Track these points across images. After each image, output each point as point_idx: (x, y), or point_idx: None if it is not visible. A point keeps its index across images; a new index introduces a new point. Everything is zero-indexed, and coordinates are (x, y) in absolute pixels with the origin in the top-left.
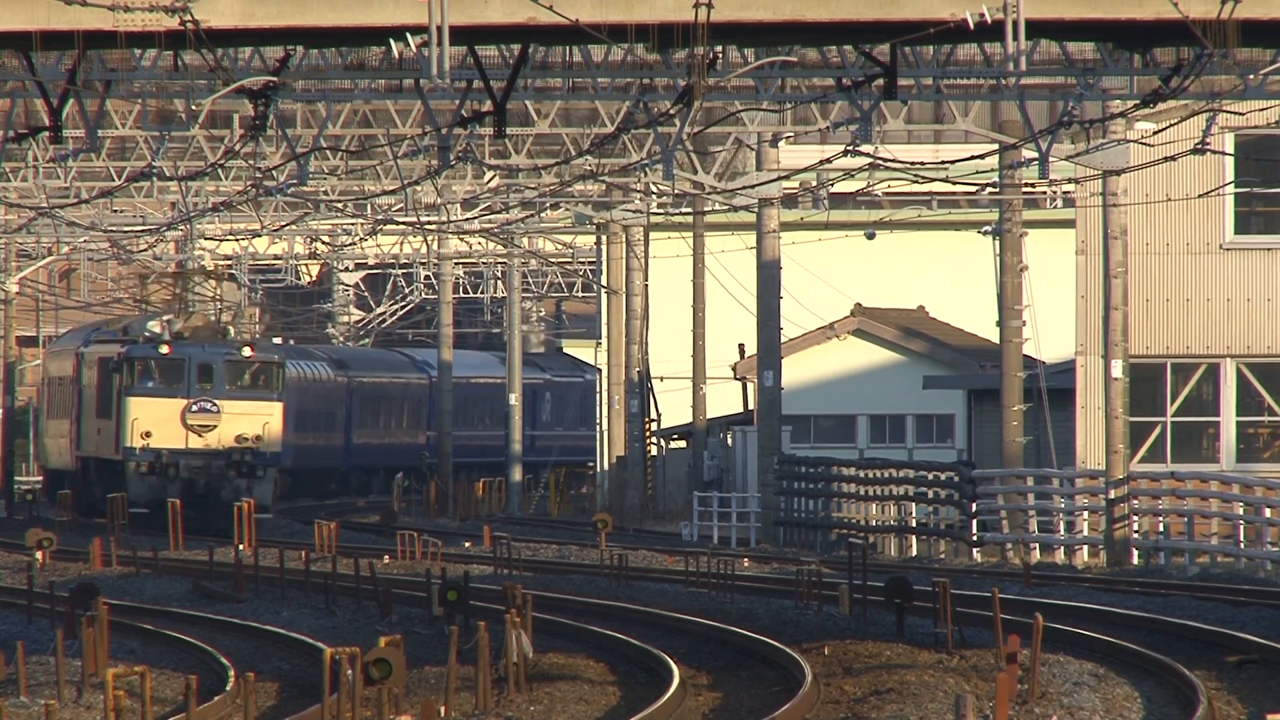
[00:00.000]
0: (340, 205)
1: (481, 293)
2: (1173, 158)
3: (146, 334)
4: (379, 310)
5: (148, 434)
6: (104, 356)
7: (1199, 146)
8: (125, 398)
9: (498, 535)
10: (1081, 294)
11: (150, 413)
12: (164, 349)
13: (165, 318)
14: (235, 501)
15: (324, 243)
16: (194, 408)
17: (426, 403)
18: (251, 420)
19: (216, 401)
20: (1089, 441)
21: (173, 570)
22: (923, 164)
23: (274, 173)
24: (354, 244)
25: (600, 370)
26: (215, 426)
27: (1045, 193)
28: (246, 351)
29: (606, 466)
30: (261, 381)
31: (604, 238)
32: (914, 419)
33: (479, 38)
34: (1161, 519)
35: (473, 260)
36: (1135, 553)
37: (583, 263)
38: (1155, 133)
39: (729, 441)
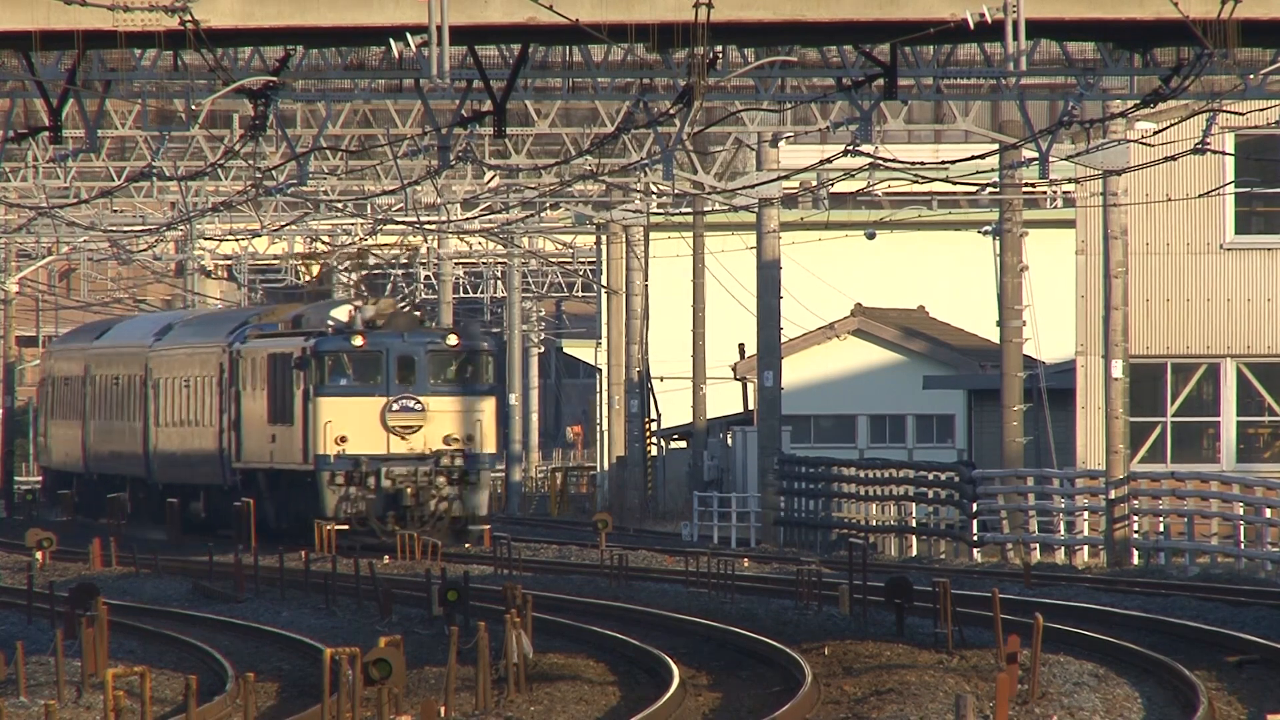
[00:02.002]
0: (340, 205)
1: (481, 293)
2: (1173, 158)
3: (331, 323)
4: None
5: (343, 439)
6: (278, 353)
7: (1199, 146)
8: (317, 399)
9: (497, 535)
10: (1081, 294)
11: (345, 414)
12: (358, 340)
13: (354, 304)
14: (446, 514)
15: (324, 243)
16: (395, 407)
17: None
18: (461, 419)
19: (420, 399)
20: (1089, 441)
21: (173, 570)
22: (923, 164)
23: (274, 173)
24: (354, 244)
25: (600, 370)
26: (420, 427)
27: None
28: (453, 340)
29: (606, 466)
30: (470, 374)
31: (604, 238)
32: (914, 419)
33: (479, 38)
34: (1162, 519)
35: (473, 260)
36: (1135, 553)
37: (583, 263)
38: (1155, 133)
39: (729, 441)
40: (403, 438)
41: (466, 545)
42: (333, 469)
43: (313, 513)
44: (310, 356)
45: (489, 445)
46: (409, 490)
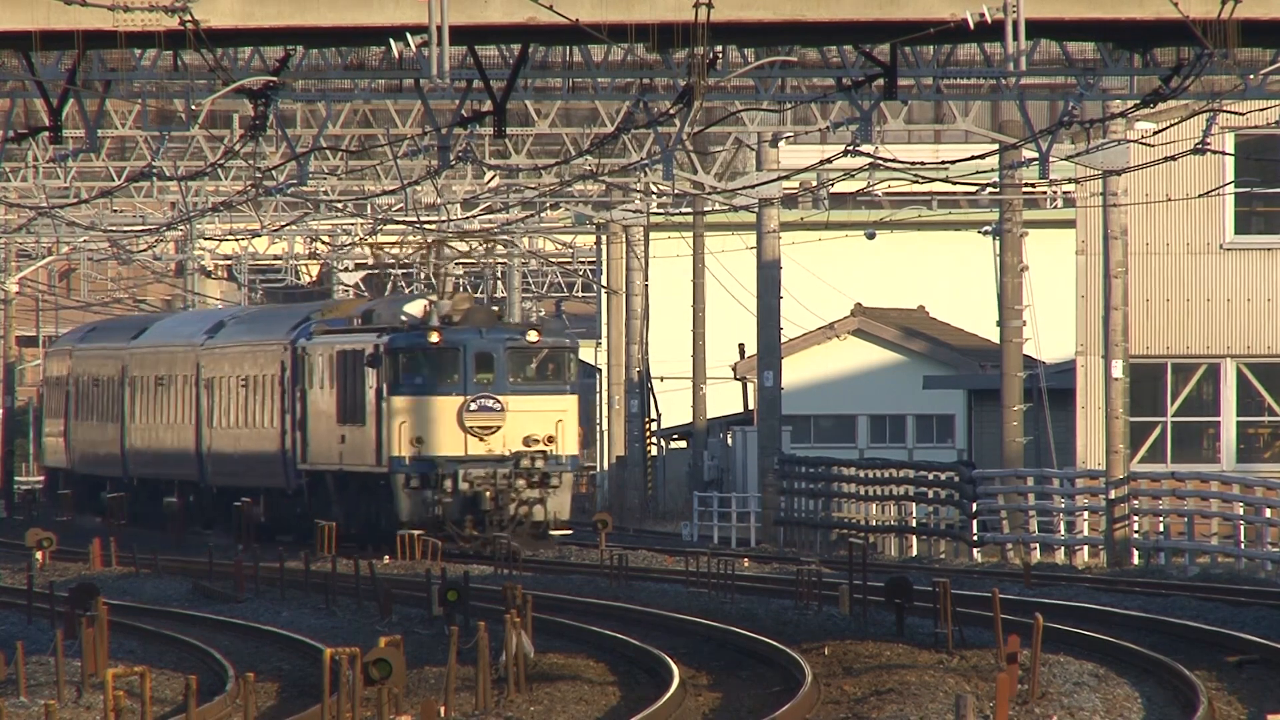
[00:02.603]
0: (340, 205)
1: (481, 293)
2: (1173, 158)
3: (404, 319)
4: None
5: (418, 440)
6: (348, 349)
7: (1199, 146)
8: (391, 398)
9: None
10: (1081, 294)
11: (420, 414)
12: (434, 337)
13: (429, 298)
14: (527, 518)
15: (324, 243)
16: (473, 406)
17: None
18: (542, 419)
19: (499, 398)
20: (1089, 441)
21: (173, 570)
22: (923, 164)
23: (274, 173)
24: (354, 244)
25: (600, 370)
26: (499, 428)
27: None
28: (533, 336)
29: (606, 466)
30: (551, 371)
31: (604, 238)
32: (914, 419)
33: (479, 38)
34: (1162, 519)
35: (473, 260)
36: (1135, 553)
37: (583, 263)
38: (1155, 133)
39: (729, 441)
40: (481, 439)
41: (547, 552)
42: (407, 471)
43: (385, 517)
44: (384, 353)
45: (570, 446)
46: (487, 494)
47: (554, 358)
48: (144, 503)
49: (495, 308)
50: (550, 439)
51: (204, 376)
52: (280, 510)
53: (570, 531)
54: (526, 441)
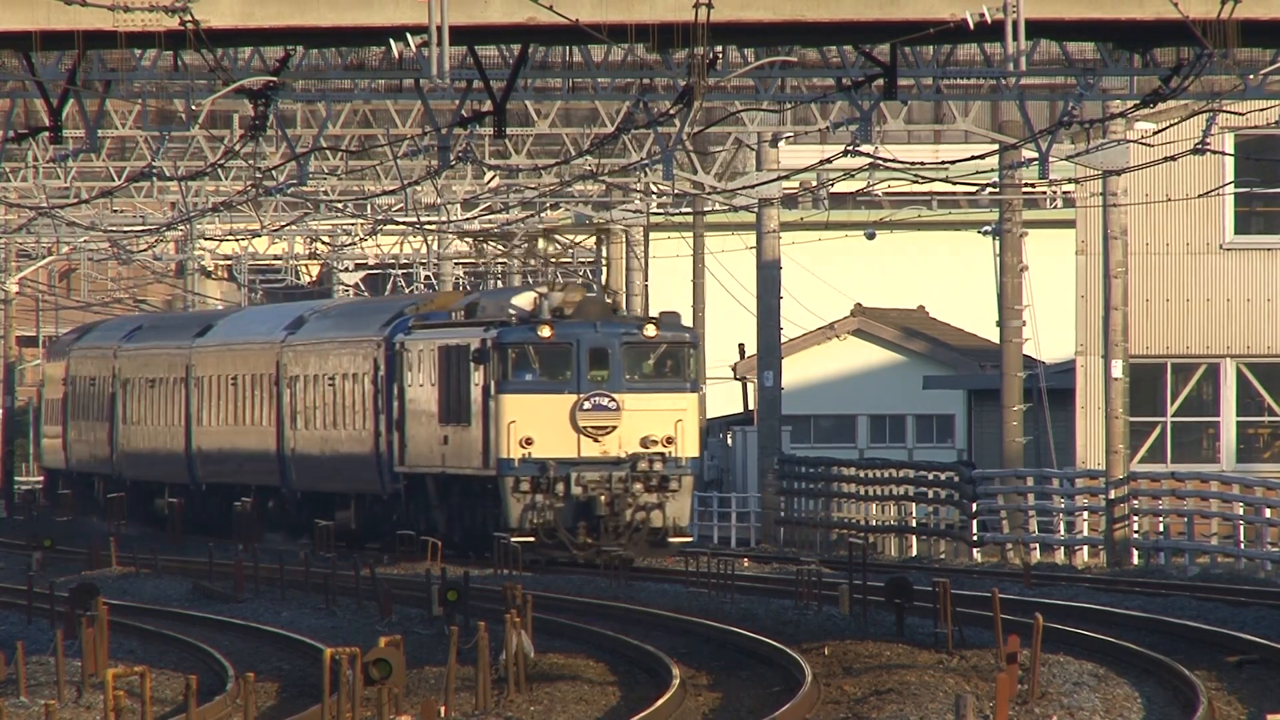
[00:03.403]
0: (340, 205)
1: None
2: (1173, 158)
3: (513, 312)
4: None
5: (529, 441)
6: (452, 345)
7: (1199, 146)
8: (499, 396)
9: (497, 534)
10: (1081, 294)
11: (531, 413)
12: (545, 331)
13: (538, 290)
14: (644, 525)
15: (324, 243)
16: (587, 405)
17: None
18: (660, 418)
19: (615, 396)
20: (1089, 441)
21: (172, 570)
22: (923, 164)
23: (274, 173)
24: (354, 244)
25: None
26: (615, 428)
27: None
28: (650, 330)
29: None
30: (669, 368)
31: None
32: (914, 419)
33: (479, 38)
34: (1161, 519)
35: (473, 260)
36: (1135, 553)
37: (583, 263)
38: (1155, 133)
39: (729, 441)
40: (595, 439)
41: (667, 561)
42: (517, 474)
43: (492, 523)
44: (492, 349)
45: (691, 448)
46: (602, 498)
47: (673, 353)
48: (210, 510)
49: (610, 299)
50: (669, 440)
51: (285, 375)
52: (373, 516)
53: (691, 539)
54: (644, 443)
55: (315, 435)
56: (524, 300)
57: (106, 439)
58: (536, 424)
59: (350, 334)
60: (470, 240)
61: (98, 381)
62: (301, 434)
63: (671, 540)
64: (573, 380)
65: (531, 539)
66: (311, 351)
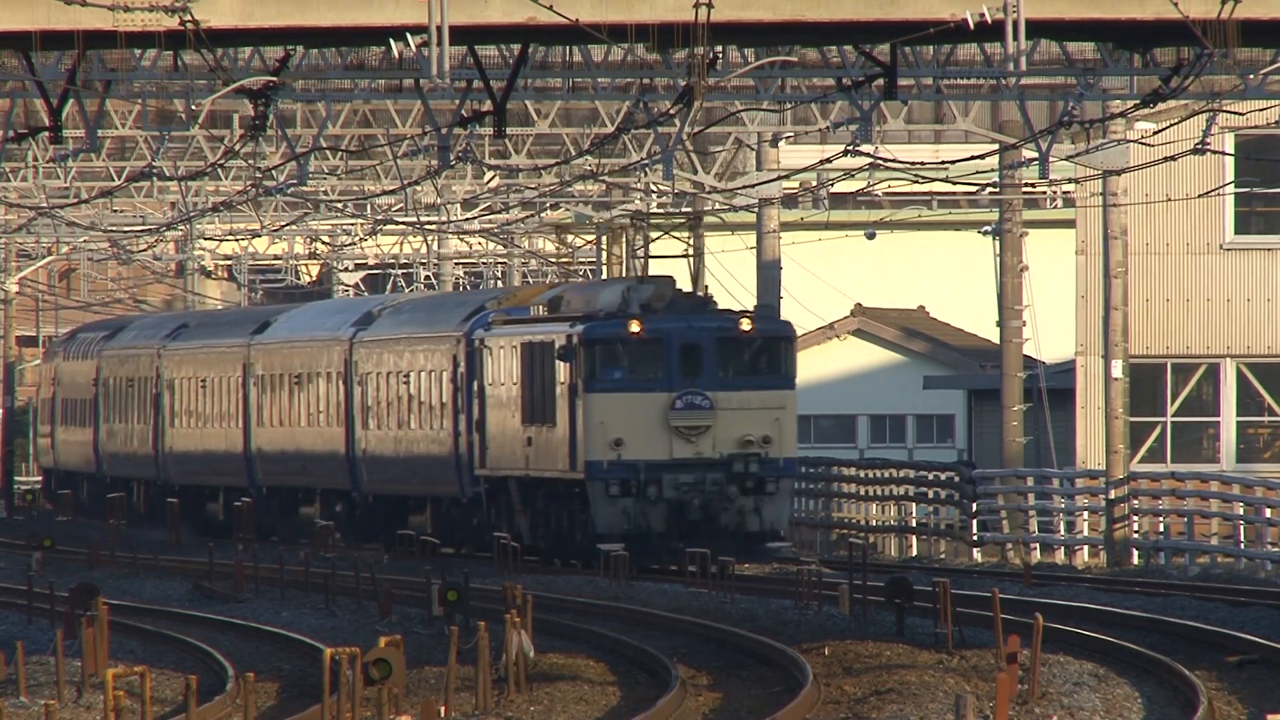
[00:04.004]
0: (340, 205)
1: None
2: (1173, 158)
3: (600, 307)
4: None
5: (618, 442)
6: (535, 341)
7: (1199, 146)
8: (587, 395)
9: (496, 534)
10: (1081, 294)
11: (620, 413)
12: (634, 326)
13: (627, 283)
14: (740, 529)
15: (324, 243)
16: (679, 404)
17: None
18: (756, 417)
19: (709, 395)
20: (1089, 441)
21: (172, 570)
22: (923, 164)
23: (274, 173)
24: (354, 244)
25: None
26: (709, 428)
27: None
28: (745, 324)
29: None
30: (765, 364)
31: (604, 238)
32: (914, 419)
33: (479, 37)
34: (1161, 519)
35: (473, 260)
36: (1135, 553)
37: (583, 263)
38: (1155, 133)
39: None
40: (689, 440)
41: (769, 567)
42: (606, 477)
43: (580, 529)
44: (578, 346)
45: (788, 448)
46: (696, 501)
47: (769, 348)
48: (274, 514)
49: (702, 293)
50: (766, 439)
51: (356, 372)
52: (452, 520)
53: (788, 544)
54: (740, 443)
55: (389, 435)
56: (611, 294)
57: (150, 441)
58: (626, 424)
59: (428, 329)
60: (556, 237)
61: (136, 382)
62: (374, 434)
63: (769, 545)
64: (664, 378)
65: (621, 545)
66: (385, 348)
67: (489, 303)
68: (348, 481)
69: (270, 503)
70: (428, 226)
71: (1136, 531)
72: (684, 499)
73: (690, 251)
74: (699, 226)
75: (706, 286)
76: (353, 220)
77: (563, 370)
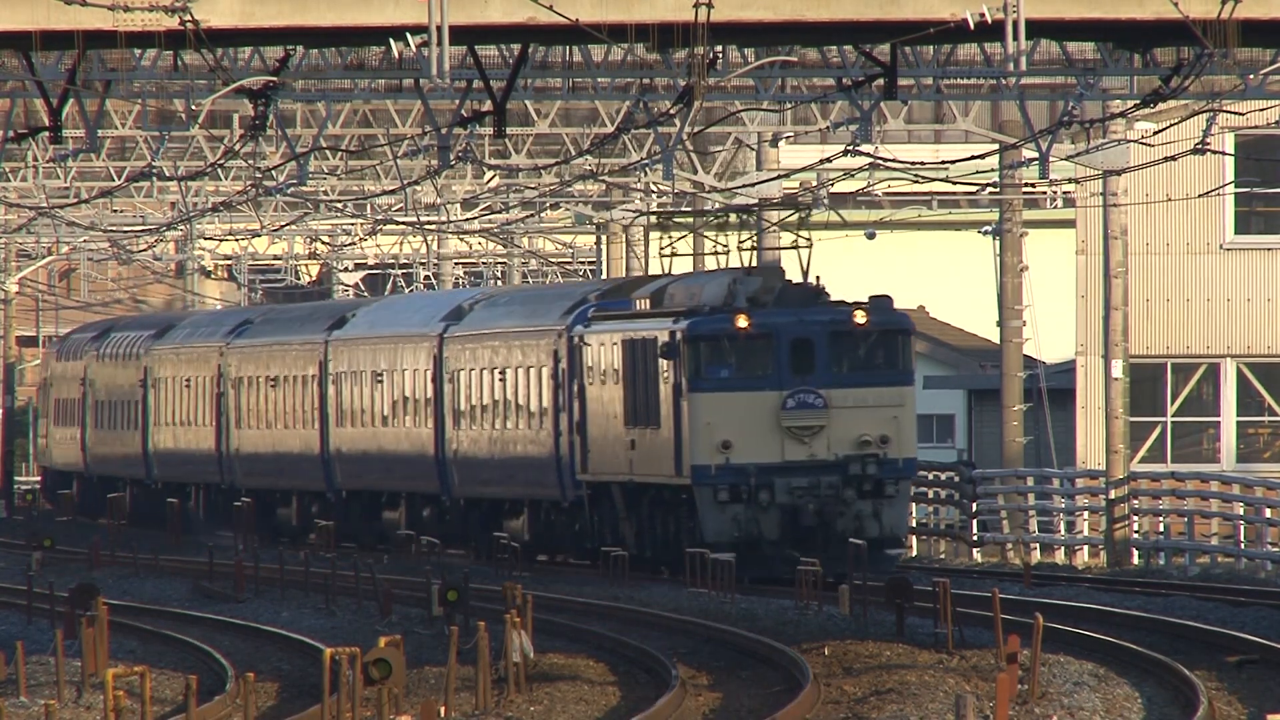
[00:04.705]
0: (340, 205)
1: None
2: (1173, 158)
3: (704, 301)
4: None
5: (726, 445)
6: (636, 338)
7: (1199, 146)
8: (692, 395)
9: (497, 534)
10: (1081, 294)
11: (728, 414)
12: (741, 321)
13: (732, 276)
14: (859, 534)
15: (324, 243)
16: (791, 403)
17: None
18: (873, 415)
19: (822, 392)
20: (1089, 441)
21: (172, 570)
22: (923, 164)
23: (274, 173)
24: (354, 244)
25: None
26: (822, 428)
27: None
28: (859, 317)
29: None
30: (882, 359)
31: (604, 238)
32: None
33: (479, 37)
34: (1162, 519)
35: (473, 260)
36: (1135, 553)
37: (583, 263)
38: (1155, 133)
39: None
40: (801, 441)
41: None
42: (714, 482)
43: (687, 537)
44: (681, 342)
45: (908, 448)
46: (811, 507)
47: (885, 342)
48: (352, 519)
49: (814, 283)
50: (884, 439)
51: (447, 369)
52: (551, 526)
53: (909, 551)
54: (856, 443)
55: (483, 435)
56: (717, 286)
57: (213, 443)
58: (734, 426)
59: (525, 324)
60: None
61: (195, 382)
62: (465, 434)
63: (889, 552)
64: (774, 375)
65: (730, 555)
66: (479, 343)
67: (591, 295)
68: (436, 484)
69: (350, 507)
70: (428, 226)
71: (1137, 531)
72: (797, 504)
73: (799, 242)
74: (809, 215)
75: (819, 276)
76: (353, 220)
77: (666, 369)
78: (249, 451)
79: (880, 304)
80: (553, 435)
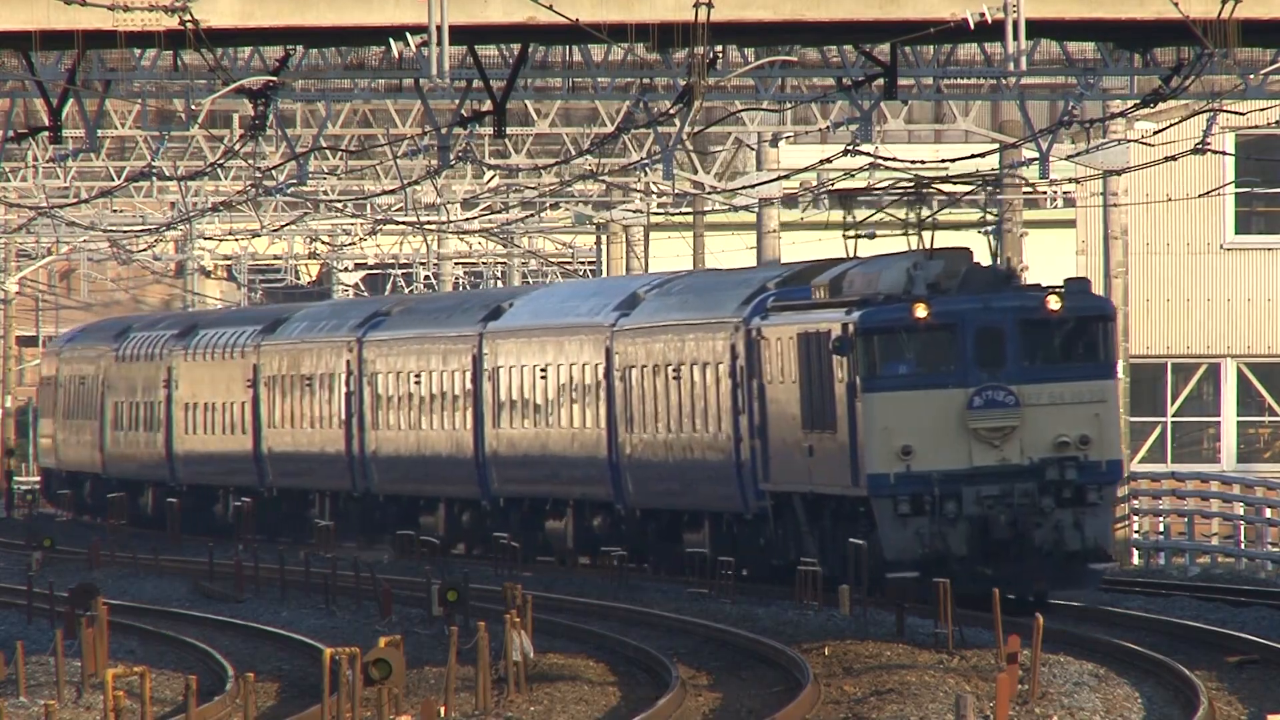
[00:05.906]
0: (340, 205)
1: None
2: (1173, 158)
3: (879, 289)
4: None
5: (907, 451)
6: (810, 331)
7: (1199, 146)
8: (866, 395)
9: (497, 535)
10: None
11: (907, 415)
12: (920, 311)
13: (911, 260)
14: (1059, 547)
15: (324, 243)
16: (978, 402)
17: None
18: (1072, 413)
19: (1013, 389)
20: None
21: (172, 570)
22: (923, 164)
23: (274, 173)
24: (354, 244)
25: None
26: (1015, 429)
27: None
28: (1053, 303)
29: None
30: (1080, 349)
31: (604, 238)
32: None
33: (479, 37)
34: (1162, 519)
35: (473, 260)
36: (1136, 553)
37: (583, 263)
38: (1155, 133)
39: None
40: (991, 444)
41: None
42: (893, 493)
43: (866, 553)
44: (853, 335)
45: (1112, 449)
46: (1003, 518)
47: (1083, 330)
48: (513, 526)
49: (1005, 265)
50: (1084, 440)
51: (617, 365)
52: (734, 539)
53: (1115, 564)
54: (1054, 445)
55: (657, 439)
56: (895, 272)
57: (342, 443)
58: (915, 429)
59: (700, 315)
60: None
61: (326, 378)
62: (638, 437)
63: (1093, 567)
64: (958, 371)
65: (915, 575)
66: (653, 337)
67: (770, 282)
68: (609, 491)
69: (508, 514)
70: (428, 226)
71: (1137, 531)
72: (988, 515)
73: (986, 219)
74: (1000, 190)
75: (1010, 258)
76: (353, 220)
77: (840, 365)
78: (388, 453)
79: (1077, 286)
80: (732, 439)
